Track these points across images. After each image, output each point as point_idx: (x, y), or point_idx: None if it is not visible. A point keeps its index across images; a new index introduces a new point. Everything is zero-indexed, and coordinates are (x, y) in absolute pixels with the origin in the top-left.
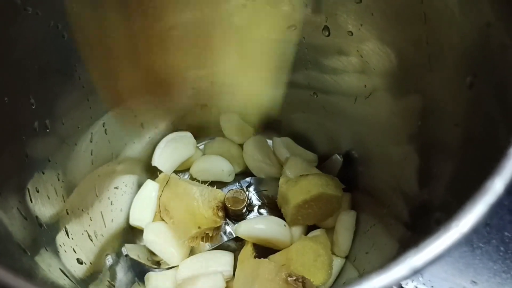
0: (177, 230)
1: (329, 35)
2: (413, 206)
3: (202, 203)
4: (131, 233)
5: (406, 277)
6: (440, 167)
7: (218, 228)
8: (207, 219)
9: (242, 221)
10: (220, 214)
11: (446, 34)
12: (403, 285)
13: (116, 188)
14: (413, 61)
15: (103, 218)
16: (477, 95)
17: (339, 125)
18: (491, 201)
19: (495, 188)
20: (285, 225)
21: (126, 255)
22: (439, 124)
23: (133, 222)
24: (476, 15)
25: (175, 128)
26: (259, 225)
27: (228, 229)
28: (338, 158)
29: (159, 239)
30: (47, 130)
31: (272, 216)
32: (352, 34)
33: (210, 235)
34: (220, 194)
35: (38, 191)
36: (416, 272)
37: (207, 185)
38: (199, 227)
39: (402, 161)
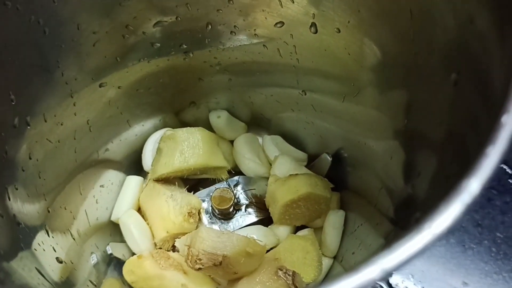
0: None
1: (316, 32)
2: (398, 203)
3: (173, 208)
4: (117, 232)
5: (377, 279)
6: (424, 164)
7: None
8: (175, 225)
9: None
10: (192, 220)
11: (431, 30)
12: (393, 286)
13: (101, 186)
14: (400, 58)
15: (87, 216)
16: (461, 92)
17: (328, 123)
18: (466, 201)
19: (471, 188)
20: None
21: (111, 254)
22: (425, 121)
23: (114, 218)
24: (460, 10)
25: (162, 125)
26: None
27: (216, 228)
28: (327, 157)
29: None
30: (28, 127)
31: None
32: (339, 31)
33: None
34: (195, 200)
35: (17, 189)
36: (388, 274)
37: (185, 189)
38: (167, 232)
39: (388, 158)
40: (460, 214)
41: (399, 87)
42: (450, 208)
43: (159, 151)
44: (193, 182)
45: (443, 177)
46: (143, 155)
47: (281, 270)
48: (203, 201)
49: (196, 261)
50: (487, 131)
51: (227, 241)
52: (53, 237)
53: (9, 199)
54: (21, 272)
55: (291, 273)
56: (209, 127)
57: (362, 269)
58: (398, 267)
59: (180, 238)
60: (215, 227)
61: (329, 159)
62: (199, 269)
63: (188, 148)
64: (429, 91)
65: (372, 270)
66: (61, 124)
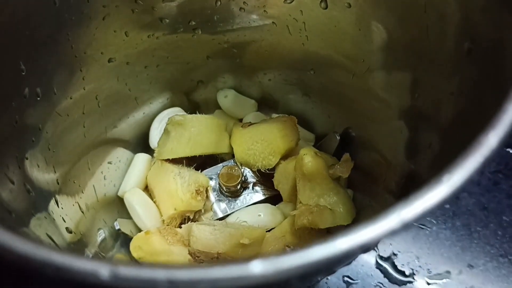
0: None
1: (326, 7)
2: (405, 179)
3: (180, 186)
4: (124, 209)
5: (396, 229)
6: (430, 139)
7: (199, 212)
8: (183, 202)
9: None
10: (199, 198)
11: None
12: (399, 267)
13: (109, 163)
14: (412, 32)
15: (95, 191)
16: (474, 61)
17: (336, 103)
18: (485, 154)
19: (489, 142)
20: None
21: (119, 230)
22: (434, 95)
23: (121, 193)
24: None
25: (170, 104)
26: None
27: (223, 205)
28: (336, 136)
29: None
30: (38, 98)
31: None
32: (350, 6)
33: (191, 217)
34: (203, 178)
35: (27, 158)
36: (406, 226)
37: (193, 168)
38: (175, 209)
39: (395, 137)
40: (479, 167)
41: (409, 61)
42: (469, 160)
43: (166, 132)
44: (200, 160)
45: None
46: (150, 132)
47: (289, 247)
48: (211, 179)
49: (195, 258)
50: (504, 88)
51: (221, 237)
52: (62, 208)
53: (19, 168)
54: (32, 236)
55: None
56: (218, 106)
57: (381, 219)
58: (417, 219)
59: (183, 226)
60: (223, 204)
61: (337, 137)
62: (202, 261)
63: (196, 136)
64: (440, 64)
65: (391, 220)
66: (70, 98)
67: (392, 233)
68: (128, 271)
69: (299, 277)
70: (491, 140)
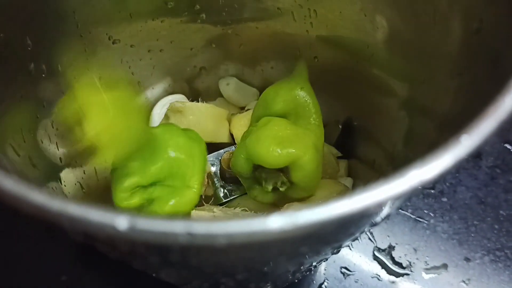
0: None
1: None
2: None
3: None
4: None
5: (414, 189)
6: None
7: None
8: None
9: None
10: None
11: None
12: (396, 259)
13: None
14: (418, 16)
15: (96, 173)
16: (483, 40)
17: (339, 91)
18: (501, 117)
19: (505, 104)
20: None
21: None
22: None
23: None
24: None
25: (172, 90)
26: None
27: (224, 191)
28: (337, 125)
29: None
30: (43, 75)
31: None
32: None
33: None
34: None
35: (31, 134)
36: (424, 185)
37: None
38: None
39: (397, 125)
40: (495, 130)
41: (415, 45)
42: (487, 122)
43: (166, 118)
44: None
45: None
46: (151, 117)
47: None
48: (212, 164)
49: None
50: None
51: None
52: (65, 185)
53: (24, 141)
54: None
55: None
56: (220, 95)
57: (399, 177)
58: (435, 180)
59: None
60: (224, 190)
61: (339, 126)
62: None
63: (194, 125)
64: (447, 46)
65: (410, 178)
66: (74, 78)
67: (411, 192)
68: (146, 223)
69: (320, 237)
70: (507, 102)
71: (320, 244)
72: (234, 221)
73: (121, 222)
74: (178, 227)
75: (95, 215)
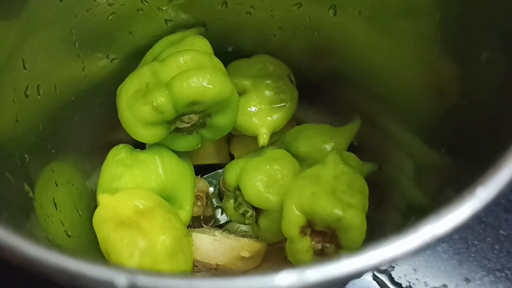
0: None
1: (335, 14)
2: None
3: None
4: None
5: (428, 244)
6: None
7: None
8: None
9: None
10: (199, 203)
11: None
12: (396, 280)
13: None
14: (426, 41)
15: (92, 193)
16: (493, 70)
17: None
18: None
19: None
20: None
21: None
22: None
23: None
24: None
25: None
26: None
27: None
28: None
29: None
30: (39, 97)
31: None
32: (360, 13)
33: (190, 223)
34: (203, 183)
35: (27, 158)
36: (439, 241)
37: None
38: None
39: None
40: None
41: (424, 70)
42: (503, 172)
43: None
44: (199, 166)
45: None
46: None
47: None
48: (211, 184)
49: (193, 267)
50: None
51: (220, 248)
52: (60, 211)
53: (18, 164)
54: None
55: None
56: None
57: (411, 233)
58: (450, 233)
59: None
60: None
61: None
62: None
63: None
64: (455, 73)
65: (424, 234)
66: (72, 99)
67: (424, 248)
68: (146, 280)
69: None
70: None
71: None
72: (242, 278)
73: (121, 280)
74: (181, 284)
75: (94, 271)
